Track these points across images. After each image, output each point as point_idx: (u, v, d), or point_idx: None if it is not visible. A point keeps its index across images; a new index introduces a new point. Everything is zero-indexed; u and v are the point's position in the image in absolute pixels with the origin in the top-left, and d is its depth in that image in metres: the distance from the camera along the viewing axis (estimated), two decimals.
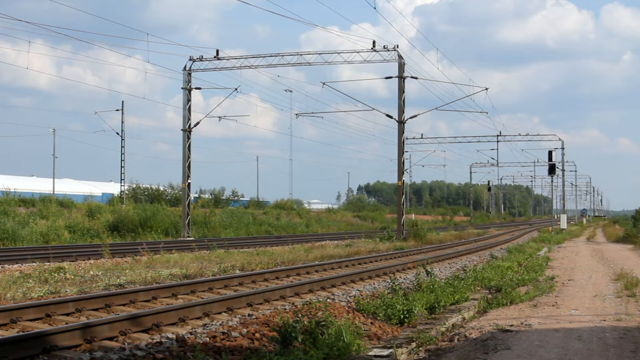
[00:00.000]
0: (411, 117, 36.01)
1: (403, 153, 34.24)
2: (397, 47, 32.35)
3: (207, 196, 62.21)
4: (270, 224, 47.07)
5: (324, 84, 34.07)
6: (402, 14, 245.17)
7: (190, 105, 34.86)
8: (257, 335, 8.30)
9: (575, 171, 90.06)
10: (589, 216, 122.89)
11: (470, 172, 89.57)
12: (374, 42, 32.20)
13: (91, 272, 15.46)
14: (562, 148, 62.22)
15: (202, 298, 11.45)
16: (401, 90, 33.32)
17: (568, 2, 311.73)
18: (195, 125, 34.96)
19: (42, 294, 11.68)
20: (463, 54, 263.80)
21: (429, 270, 14.84)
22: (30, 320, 8.99)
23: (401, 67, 33.17)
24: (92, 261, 18.94)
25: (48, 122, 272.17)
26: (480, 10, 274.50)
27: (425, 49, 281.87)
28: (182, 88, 34.79)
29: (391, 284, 12.74)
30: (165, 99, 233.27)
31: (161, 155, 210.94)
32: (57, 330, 7.55)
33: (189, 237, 33.75)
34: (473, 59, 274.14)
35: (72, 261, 18.61)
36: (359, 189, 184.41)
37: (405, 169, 35.93)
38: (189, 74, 34.55)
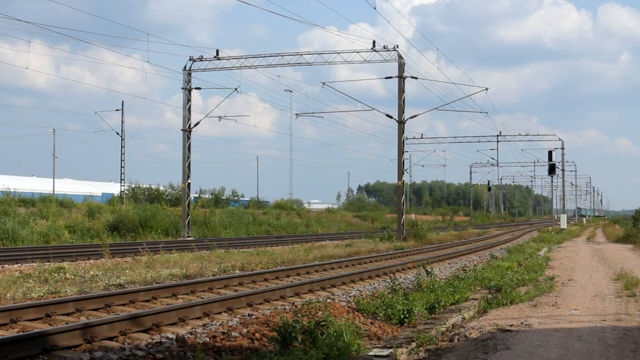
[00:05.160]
0: (411, 117, 36.06)
1: (403, 153, 34.24)
2: (397, 47, 32.39)
3: (207, 196, 62.16)
4: (270, 224, 47.05)
5: (324, 84, 34.11)
6: (400, 14, 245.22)
7: (190, 105, 34.85)
8: (257, 335, 8.30)
9: (575, 171, 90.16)
10: (588, 216, 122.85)
11: (470, 172, 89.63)
12: (373, 42, 32.24)
13: (91, 272, 15.46)
14: (562, 148, 62.30)
15: (202, 298, 11.46)
16: (401, 90, 33.32)
17: (566, 2, 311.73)
18: (195, 125, 34.96)
19: (42, 294, 11.68)
20: (460, 53, 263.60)
21: (429, 270, 14.85)
22: (30, 320, 8.99)
23: (401, 67, 33.17)
24: (92, 261, 18.94)
25: (47, 122, 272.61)
26: (478, 10, 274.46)
27: (422, 48, 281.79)
28: (182, 88, 34.79)
29: (391, 284, 12.74)
30: (164, 99, 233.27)
31: (161, 155, 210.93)
32: (57, 330, 7.56)
33: (189, 237, 33.74)
34: (470, 59, 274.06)
35: (72, 261, 18.62)
36: (359, 189, 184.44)
37: (405, 169, 35.94)
38: (189, 74, 34.54)
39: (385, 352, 8.04)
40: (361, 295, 12.35)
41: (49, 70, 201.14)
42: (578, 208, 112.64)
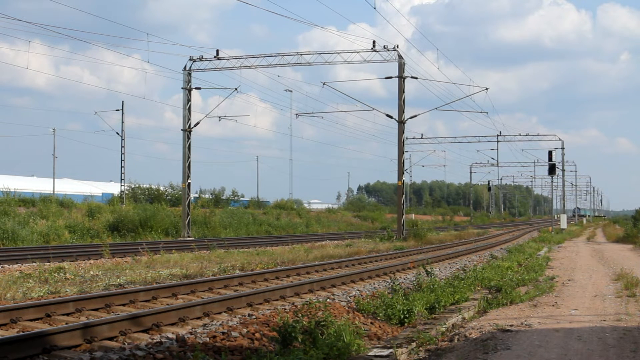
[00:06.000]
0: (411, 117, 36.06)
1: (403, 153, 34.25)
2: (397, 47, 32.40)
3: (207, 196, 62.18)
4: (270, 224, 47.07)
5: (324, 84, 34.12)
6: (400, 14, 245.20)
7: (190, 105, 34.86)
8: (257, 335, 8.30)
9: (575, 171, 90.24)
10: (588, 216, 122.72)
11: (470, 172, 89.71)
12: (374, 42, 32.26)
13: (91, 272, 15.47)
14: (562, 148, 62.32)
15: (202, 298, 11.45)
16: (401, 90, 33.32)
17: (565, 2, 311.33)
18: (196, 125, 34.98)
19: (42, 294, 11.68)
20: (460, 53, 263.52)
21: (429, 270, 14.84)
22: (30, 320, 8.99)
23: (401, 67, 33.17)
24: (92, 261, 18.95)
25: (47, 122, 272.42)
26: (477, 9, 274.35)
27: (422, 48, 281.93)
28: (182, 88, 34.80)
29: (391, 284, 12.74)
30: (164, 99, 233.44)
31: (161, 155, 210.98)
32: (57, 330, 7.55)
33: (189, 237, 33.75)
34: (470, 59, 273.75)
35: (72, 261, 18.62)
36: (359, 189, 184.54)
37: (405, 169, 35.94)
38: (189, 74, 34.54)
39: (385, 352, 8.04)
40: (361, 295, 12.35)
41: (49, 70, 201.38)
42: (577, 208, 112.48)
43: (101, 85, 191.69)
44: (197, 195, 60.52)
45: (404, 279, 15.45)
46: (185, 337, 7.82)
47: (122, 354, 6.97)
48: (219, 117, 37.33)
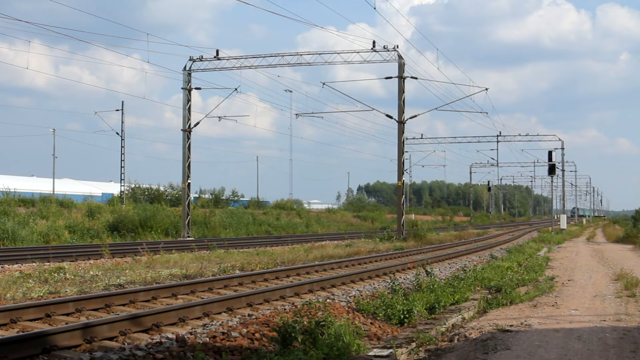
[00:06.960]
0: (411, 117, 36.05)
1: (403, 153, 34.24)
2: (397, 47, 32.40)
3: (207, 196, 62.15)
4: (270, 224, 47.06)
5: (324, 84, 34.11)
6: (399, 14, 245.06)
7: (190, 106, 34.85)
8: (257, 335, 8.30)
9: (575, 171, 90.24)
10: (588, 216, 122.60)
11: (470, 172, 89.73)
12: (373, 42, 32.25)
13: (91, 272, 15.47)
14: (562, 148, 62.34)
15: (202, 298, 11.46)
16: (401, 90, 33.32)
17: (565, 2, 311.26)
18: (195, 125, 34.96)
19: (42, 294, 11.68)
20: (459, 54, 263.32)
21: (429, 270, 14.84)
22: (30, 320, 8.99)
23: (401, 67, 33.17)
24: (92, 261, 18.95)
25: (47, 122, 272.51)
26: (477, 10, 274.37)
27: (422, 49, 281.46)
28: (182, 88, 34.78)
29: (391, 284, 12.73)
30: (164, 99, 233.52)
31: (161, 155, 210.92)
32: (57, 330, 7.56)
33: (189, 237, 33.74)
34: (469, 59, 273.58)
35: (72, 261, 18.62)
36: (359, 189, 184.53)
37: (405, 169, 35.93)
38: (189, 74, 34.53)
39: (385, 352, 8.04)
40: (361, 296, 12.35)
41: (49, 70, 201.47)
42: (576, 208, 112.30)
43: (101, 85, 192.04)
44: (197, 196, 60.50)
45: (404, 279, 15.45)
46: (185, 337, 7.82)
47: (122, 354, 6.97)
48: (219, 117, 37.29)
